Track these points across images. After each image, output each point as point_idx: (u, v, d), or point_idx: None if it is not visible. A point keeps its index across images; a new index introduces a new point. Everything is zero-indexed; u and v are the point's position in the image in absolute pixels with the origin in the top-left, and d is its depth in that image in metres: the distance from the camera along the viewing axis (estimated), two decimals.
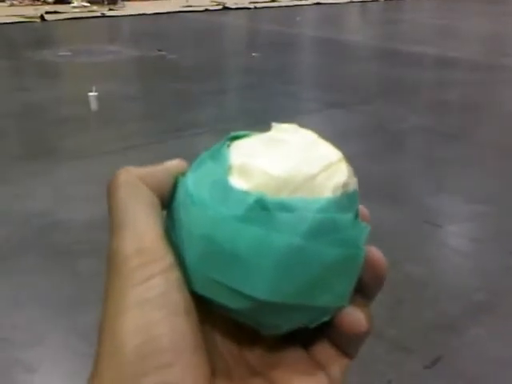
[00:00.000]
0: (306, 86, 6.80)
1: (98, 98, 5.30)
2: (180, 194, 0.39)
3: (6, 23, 10.84)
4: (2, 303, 2.46)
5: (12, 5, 13.37)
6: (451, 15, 14.06)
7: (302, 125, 0.38)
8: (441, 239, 3.17)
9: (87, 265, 2.77)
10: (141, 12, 12.78)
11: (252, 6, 14.66)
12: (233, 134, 0.43)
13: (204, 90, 6.36)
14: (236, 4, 14.63)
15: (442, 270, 2.83)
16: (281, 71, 7.51)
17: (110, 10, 12.95)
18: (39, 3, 13.44)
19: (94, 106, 5.24)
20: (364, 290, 0.40)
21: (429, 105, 5.99)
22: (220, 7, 14.18)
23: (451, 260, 2.92)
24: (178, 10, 13.42)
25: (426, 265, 2.86)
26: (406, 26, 12.52)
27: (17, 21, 11.13)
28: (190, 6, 13.96)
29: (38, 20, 11.28)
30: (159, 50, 8.28)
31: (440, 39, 10.47)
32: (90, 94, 5.25)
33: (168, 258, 0.35)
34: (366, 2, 16.68)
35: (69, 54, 7.94)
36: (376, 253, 0.38)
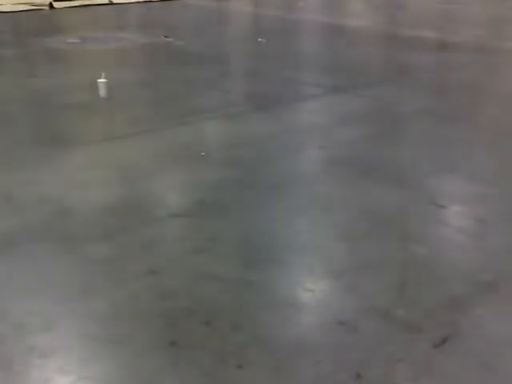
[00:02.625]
0: (310, 70, 6.79)
1: (107, 84, 5.32)
2: None
3: (16, 11, 10.87)
4: (16, 290, 2.51)
5: None
6: (455, 0, 13.95)
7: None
8: (445, 220, 3.18)
9: (98, 250, 2.81)
10: None
11: None
12: None
13: (211, 75, 6.37)
14: None
15: (447, 250, 2.85)
16: (286, 56, 7.51)
17: None
18: None
19: (102, 92, 5.27)
20: None
21: (431, 88, 5.98)
22: None
23: (456, 240, 2.94)
24: None
25: (431, 246, 2.88)
26: (410, 10, 12.45)
27: (26, 9, 11.16)
28: None
29: (47, 8, 11.31)
30: (166, 37, 8.29)
31: (443, 24, 10.41)
32: (99, 80, 5.28)
33: None
34: None
35: (78, 41, 7.97)
36: None
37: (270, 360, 2.06)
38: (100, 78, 5.33)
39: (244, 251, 2.83)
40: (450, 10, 12.25)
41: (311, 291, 2.49)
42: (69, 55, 7.52)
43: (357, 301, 2.41)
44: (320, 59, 7.36)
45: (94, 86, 5.35)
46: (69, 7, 11.59)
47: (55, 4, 11.51)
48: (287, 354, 2.09)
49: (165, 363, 2.05)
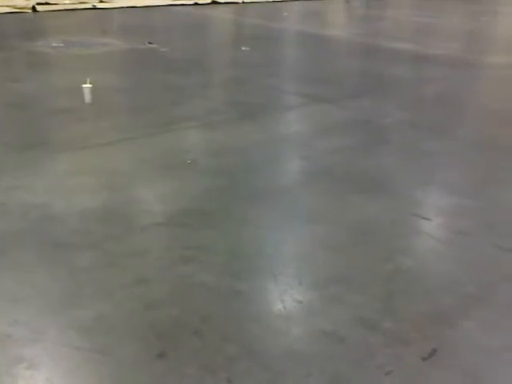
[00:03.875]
0: (293, 80, 6.84)
1: (92, 89, 5.29)
2: None
3: None
4: (3, 298, 2.48)
5: None
6: (431, 13, 14.15)
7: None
8: (429, 232, 3.22)
9: (84, 258, 2.79)
10: (131, 5, 12.74)
11: (240, 0, 14.66)
12: None
13: (194, 82, 6.37)
14: None
15: (431, 262, 2.89)
16: (268, 65, 7.54)
17: (101, 1, 12.89)
18: None
19: (87, 97, 5.24)
20: None
21: (411, 100, 6.06)
22: (209, 1, 14.16)
23: (440, 252, 2.98)
24: (167, 3, 13.38)
25: (416, 257, 2.92)
26: (388, 23, 12.60)
27: (8, 11, 11.06)
28: (180, 0, 13.92)
29: (30, 11, 11.22)
30: (150, 43, 8.28)
31: (421, 36, 10.54)
32: (84, 85, 5.25)
33: None
34: None
35: (61, 45, 7.92)
36: None
37: (260, 373, 2.06)
38: (85, 83, 5.30)
39: (231, 260, 2.83)
40: (427, 23, 12.42)
41: (299, 302, 2.50)
42: (53, 59, 7.46)
43: (344, 312, 2.42)
44: (303, 69, 7.41)
45: (79, 91, 5.33)
46: (52, 11, 11.51)
47: (38, 7, 11.42)
48: (277, 366, 2.09)
49: (153, 375, 2.04)
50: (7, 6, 11.40)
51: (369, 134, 4.82)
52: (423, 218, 3.33)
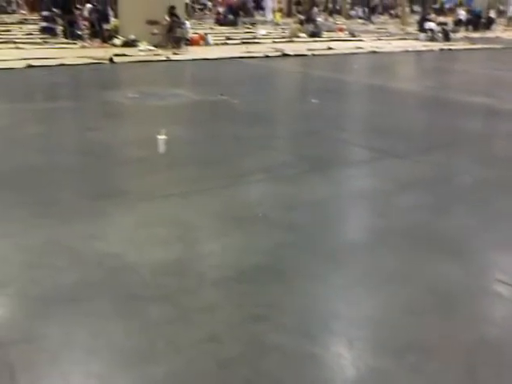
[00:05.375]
0: (364, 133, 6.79)
1: (165, 140, 5.41)
2: None
3: (78, 64, 11.30)
4: (77, 349, 2.49)
5: (83, 47, 13.96)
6: (503, 66, 13.93)
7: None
8: None
9: (156, 311, 2.79)
10: (203, 57, 13.13)
11: (310, 53, 14.89)
12: None
13: (264, 134, 6.43)
14: (294, 51, 14.88)
15: None
16: (337, 117, 7.54)
17: (174, 53, 13.35)
18: (108, 46, 13.99)
19: (161, 148, 5.35)
20: None
21: (489, 156, 5.86)
22: (279, 53, 14.44)
23: None
24: (238, 55, 13.72)
25: (501, 326, 2.76)
26: (460, 76, 12.44)
27: (88, 62, 11.59)
28: (250, 52, 14.26)
29: (107, 62, 11.71)
30: (221, 95, 8.44)
31: (495, 90, 10.34)
32: (159, 137, 5.38)
33: None
34: (421, 52, 16.71)
35: (136, 96, 8.19)
36: None
37: None
38: (159, 134, 5.43)
39: (304, 321, 2.76)
40: (499, 76, 12.20)
41: (375, 369, 2.40)
42: (127, 109, 7.73)
43: (423, 382, 2.30)
44: (372, 122, 7.36)
45: (151, 141, 5.45)
46: (128, 62, 12.00)
47: (115, 58, 11.93)
48: None
49: None
50: (87, 57, 11.96)
51: (446, 191, 4.68)
52: (508, 285, 3.16)
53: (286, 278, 3.18)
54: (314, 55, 14.73)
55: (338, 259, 3.41)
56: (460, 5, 33.08)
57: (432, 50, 16.82)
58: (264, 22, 24.68)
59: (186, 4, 20.83)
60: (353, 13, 31.24)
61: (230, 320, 2.74)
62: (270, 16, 26.49)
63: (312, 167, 5.21)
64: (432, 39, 19.15)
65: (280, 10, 27.35)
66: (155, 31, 13.99)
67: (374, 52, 15.78)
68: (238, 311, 2.83)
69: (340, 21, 27.58)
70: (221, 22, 23.08)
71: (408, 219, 4.04)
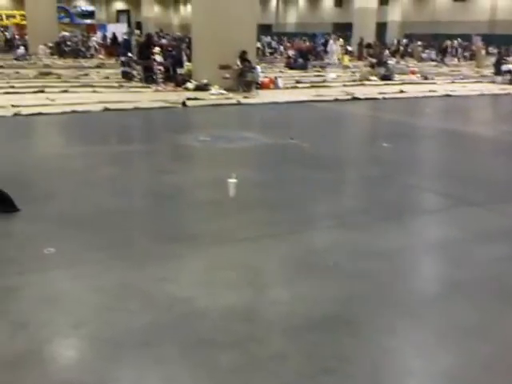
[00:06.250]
0: (437, 179, 6.62)
1: (235, 184, 5.46)
2: None
3: (152, 108, 11.68)
4: None
5: (157, 91, 14.43)
6: None
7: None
8: None
9: (225, 358, 2.77)
10: (273, 100, 13.28)
11: (381, 96, 14.79)
12: None
13: (335, 178, 6.39)
14: (365, 94, 14.83)
15: None
16: (410, 162, 7.40)
17: (245, 97, 13.58)
18: (181, 89, 14.40)
19: (232, 192, 5.40)
20: None
21: None
22: (349, 97, 14.43)
23: None
24: (308, 99, 13.81)
25: None
26: None
27: (161, 106, 11.96)
28: (320, 96, 14.33)
29: (180, 105, 12.05)
30: (291, 139, 8.48)
31: None
32: (230, 180, 5.43)
33: None
34: (498, 95, 16.30)
35: (208, 139, 8.35)
36: None
37: None
38: (230, 177, 5.48)
39: (375, 376, 2.67)
40: None
41: None
42: (199, 152, 7.88)
43: None
44: (446, 168, 7.19)
45: (222, 184, 5.50)
46: (200, 106, 12.30)
47: (188, 102, 12.25)
48: None
49: None
50: (161, 101, 12.34)
51: None
52: None
53: (357, 329, 3.10)
54: (384, 99, 14.63)
55: (411, 311, 3.30)
56: None
57: (509, 94, 16.37)
58: (333, 65, 24.80)
59: (258, 48, 21.27)
60: (425, 55, 30.98)
61: (300, 371, 2.69)
62: (334, 58, 26.59)
63: (385, 214, 5.11)
64: (510, 82, 18.63)
65: (347, 53, 27.40)
66: (227, 75, 14.30)
67: (448, 95, 15.53)
68: (308, 362, 2.77)
69: (412, 63, 27.36)
70: (291, 65, 23.37)
71: (488, 272, 3.87)
